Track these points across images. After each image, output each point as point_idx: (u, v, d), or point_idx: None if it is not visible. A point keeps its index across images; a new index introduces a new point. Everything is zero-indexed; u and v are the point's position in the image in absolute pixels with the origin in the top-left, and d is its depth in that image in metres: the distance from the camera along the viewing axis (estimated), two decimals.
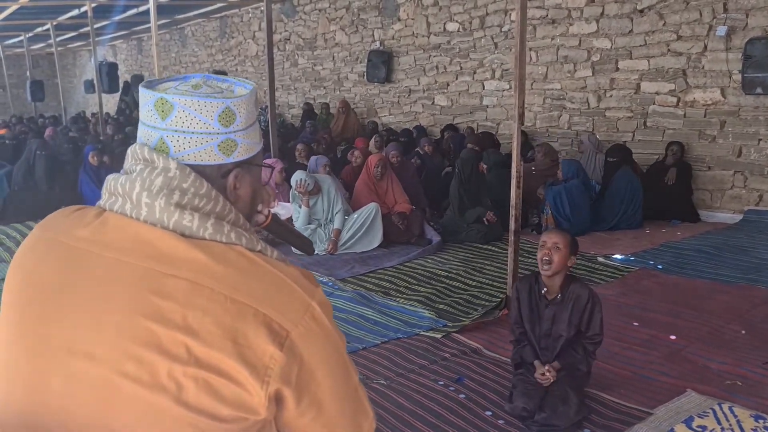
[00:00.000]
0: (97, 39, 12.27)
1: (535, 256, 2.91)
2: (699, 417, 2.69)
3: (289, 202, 5.69)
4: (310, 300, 0.94)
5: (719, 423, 2.64)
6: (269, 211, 1.23)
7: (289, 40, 12.55)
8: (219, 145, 0.98)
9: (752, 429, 2.60)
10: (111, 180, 1.00)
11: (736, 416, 2.69)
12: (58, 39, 13.82)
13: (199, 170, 0.97)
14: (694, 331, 3.69)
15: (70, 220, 0.98)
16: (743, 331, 3.66)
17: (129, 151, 1.01)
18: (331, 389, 0.96)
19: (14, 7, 10.49)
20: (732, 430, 2.60)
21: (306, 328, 0.91)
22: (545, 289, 2.85)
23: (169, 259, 0.90)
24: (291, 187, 5.74)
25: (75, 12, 11.33)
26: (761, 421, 2.64)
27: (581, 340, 2.83)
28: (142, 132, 1.01)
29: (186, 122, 0.96)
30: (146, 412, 0.87)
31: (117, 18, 12.34)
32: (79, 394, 0.89)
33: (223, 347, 0.86)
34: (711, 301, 4.19)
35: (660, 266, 4.95)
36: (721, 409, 2.75)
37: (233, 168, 1.01)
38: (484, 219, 5.93)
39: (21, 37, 15.12)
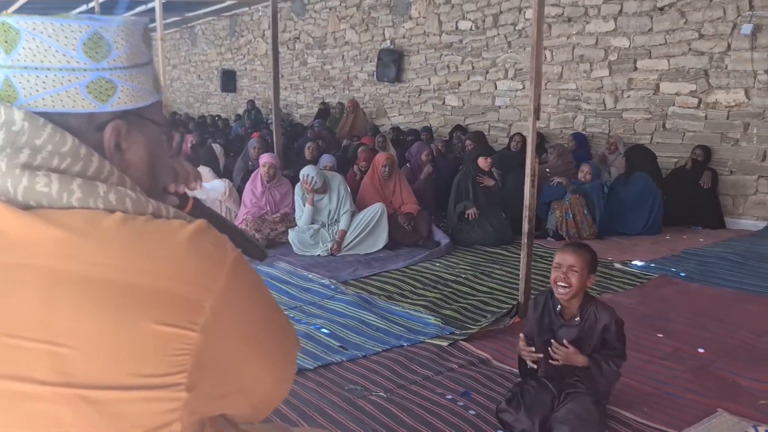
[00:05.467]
0: None
1: (549, 261, 2.63)
2: None
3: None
4: (224, 254, 0.74)
5: None
6: (187, 194, 0.93)
7: (298, 38, 12.36)
8: (87, 86, 0.73)
9: None
10: None
11: None
12: None
13: (61, 121, 0.71)
14: (721, 344, 3.41)
15: None
16: None
17: None
18: (258, 339, 0.78)
19: (21, 2, 10.36)
20: None
21: (227, 290, 0.72)
22: (559, 307, 2.57)
23: (19, 243, 0.65)
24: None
25: (83, 7, 11.19)
26: None
27: (602, 352, 2.56)
28: None
29: (38, 54, 0.72)
30: None
31: (124, 15, 12.21)
32: None
33: (104, 358, 0.64)
34: (738, 312, 3.90)
35: (682, 274, 4.67)
36: None
37: (112, 119, 0.75)
38: (467, 213, 5.67)
39: None
